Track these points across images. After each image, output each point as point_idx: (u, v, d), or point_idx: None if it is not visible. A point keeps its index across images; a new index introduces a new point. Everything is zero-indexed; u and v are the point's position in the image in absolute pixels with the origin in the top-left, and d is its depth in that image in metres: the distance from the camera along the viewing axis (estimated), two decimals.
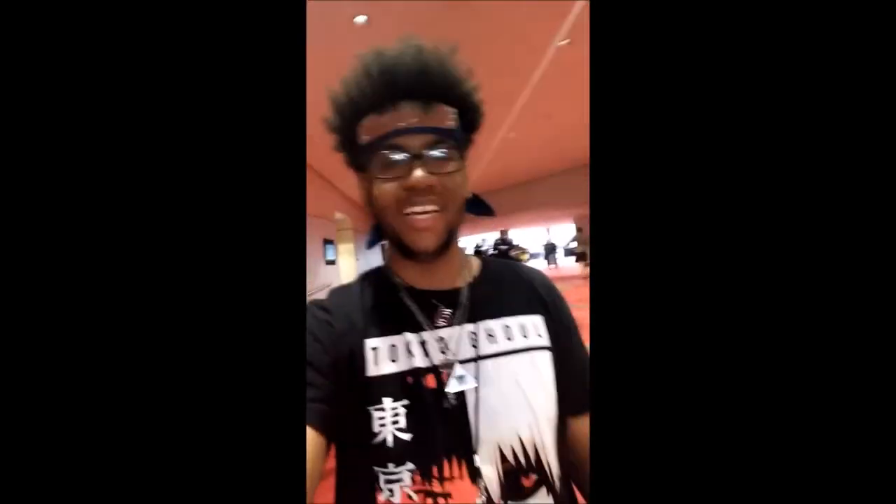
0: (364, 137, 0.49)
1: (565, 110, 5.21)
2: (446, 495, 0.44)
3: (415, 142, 0.47)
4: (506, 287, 0.57)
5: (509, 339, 0.52)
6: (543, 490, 0.47)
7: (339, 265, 6.99)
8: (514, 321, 0.53)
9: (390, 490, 0.45)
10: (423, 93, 0.48)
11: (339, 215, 7.50)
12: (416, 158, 0.47)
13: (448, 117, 0.49)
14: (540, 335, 0.53)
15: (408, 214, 0.47)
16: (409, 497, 0.44)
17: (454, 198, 0.49)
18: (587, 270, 10.46)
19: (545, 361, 0.52)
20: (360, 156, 0.51)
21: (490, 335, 0.51)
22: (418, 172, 0.46)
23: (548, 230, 20.09)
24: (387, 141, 0.47)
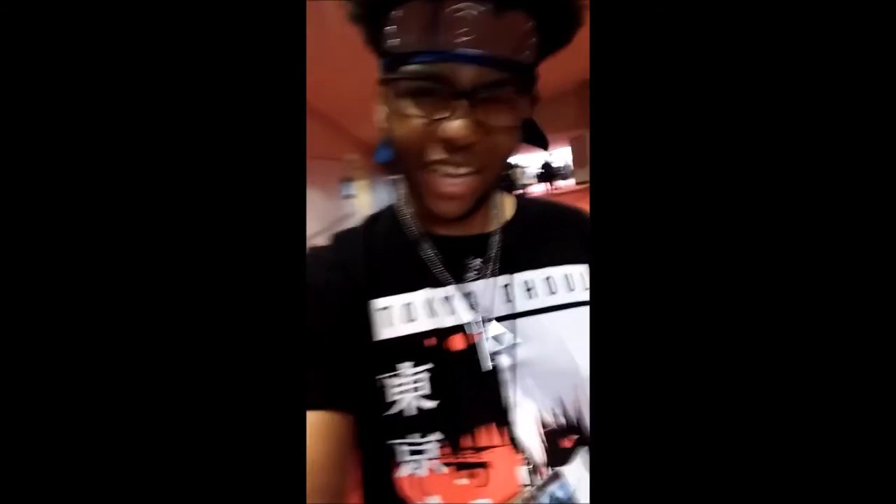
0: (393, 41, 0.35)
1: None
2: (484, 465, 0.40)
3: (464, 75, 0.34)
4: (546, 231, 0.49)
5: (553, 292, 0.45)
6: (584, 450, 0.43)
7: (356, 202, 7.79)
8: (557, 271, 0.46)
9: (416, 463, 0.40)
10: None
11: (350, 156, 8.12)
12: (464, 97, 0.34)
13: (526, 42, 0.35)
14: (587, 288, 0.46)
15: (435, 169, 0.38)
16: (437, 470, 0.39)
17: (499, 159, 0.39)
18: (577, 184, 11.06)
19: (585, 319, 0.45)
20: (384, 62, 0.38)
21: (529, 288, 0.45)
22: (460, 122, 0.34)
23: (549, 154, 20.41)
24: (426, 64, 0.34)
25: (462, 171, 0.38)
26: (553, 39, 0.38)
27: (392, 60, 0.37)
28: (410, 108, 0.36)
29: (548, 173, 15.67)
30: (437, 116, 0.35)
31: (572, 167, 11.76)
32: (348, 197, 7.28)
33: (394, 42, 0.36)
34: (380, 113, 0.42)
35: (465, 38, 0.33)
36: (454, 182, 0.38)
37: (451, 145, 0.36)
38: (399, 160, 0.41)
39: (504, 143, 0.38)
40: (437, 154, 0.37)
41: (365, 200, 8.71)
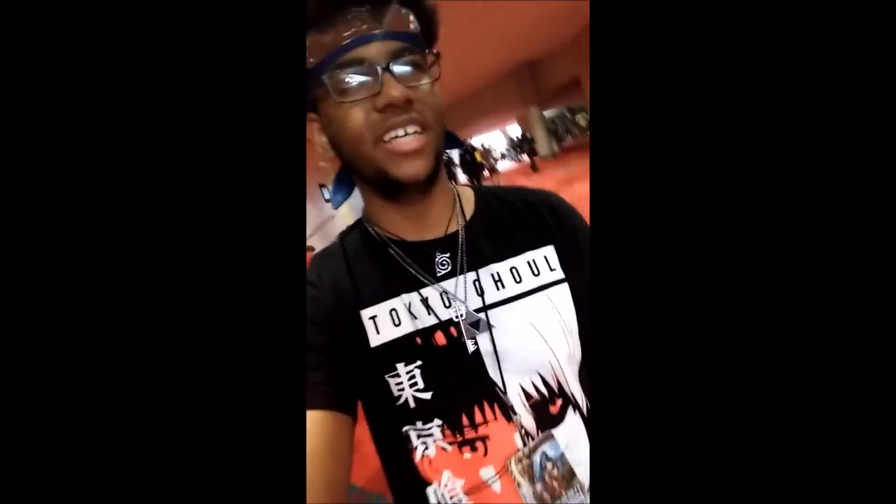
0: (309, 61, 0.42)
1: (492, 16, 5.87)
2: (483, 438, 0.44)
3: (376, 52, 0.40)
4: (507, 220, 0.51)
5: (518, 281, 0.48)
6: (570, 410, 0.47)
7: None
8: (520, 260, 0.49)
9: (424, 444, 0.45)
10: None
11: (322, 163, 8.70)
12: (385, 71, 0.40)
13: (408, 20, 0.43)
14: (553, 268, 0.49)
15: (387, 141, 0.41)
16: (444, 449, 0.44)
17: (436, 115, 0.43)
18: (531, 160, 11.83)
19: (562, 295, 0.48)
20: (308, 88, 0.43)
21: (496, 280, 0.48)
22: (392, 86, 0.40)
23: (503, 132, 21.38)
24: (341, 57, 0.40)
25: (411, 129, 0.41)
26: (426, 31, 0.46)
27: (315, 75, 0.42)
28: (348, 100, 0.41)
29: (518, 148, 16.21)
30: (372, 93, 0.40)
31: (531, 139, 12.65)
32: (329, 201, 7.96)
33: (310, 61, 0.42)
34: (320, 145, 0.47)
35: (364, 27, 0.40)
36: (409, 140, 0.41)
37: (392, 109, 0.40)
38: (354, 157, 0.44)
39: (431, 98, 0.43)
40: (385, 124, 0.41)
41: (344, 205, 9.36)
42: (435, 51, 0.45)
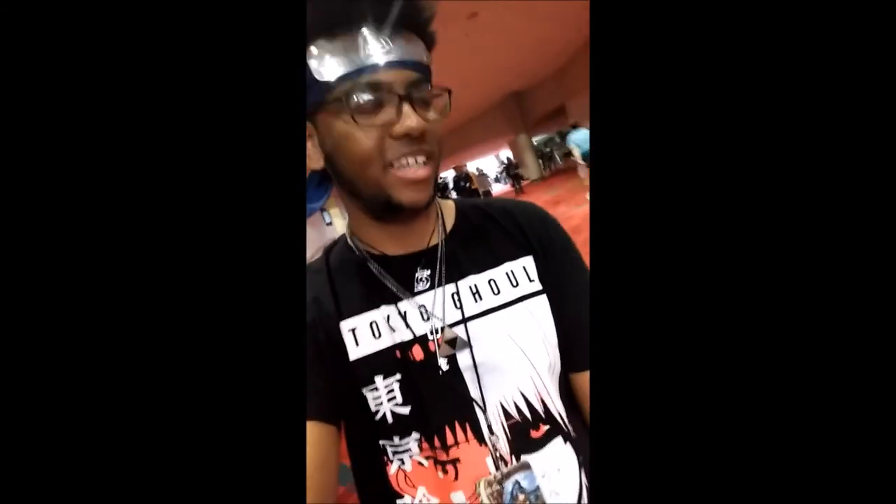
0: (319, 69, 0.41)
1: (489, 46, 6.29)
2: (454, 461, 0.43)
3: (396, 79, 0.41)
4: (487, 233, 0.51)
5: (496, 293, 0.48)
6: (559, 439, 0.46)
7: (335, 227, 8.96)
8: (499, 271, 0.49)
9: (401, 460, 0.44)
10: (391, 17, 0.40)
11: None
12: (404, 100, 0.40)
13: (422, 50, 0.44)
14: (532, 279, 0.49)
15: (396, 168, 0.42)
16: (421, 464, 0.44)
17: (439, 148, 0.45)
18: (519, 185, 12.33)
19: (542, 307, 0.48)
20: (318, 95, 0.42)
21: (474, 293, 0.47)
22: (411, 117, 0.40)
23: (497, 157, 22.16)
24: (360, 77, 0.40)
25: (420, 158, 0.42)
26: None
27: (322, 88, 0.41)
28: (362, 121, 0.40)
29: (506, 172, 16.75)
30: (389, 119, 0.40)
31: (516, 164, 13.33)
32: (330, 224, 8.45)
33: (320, 70, 0.41)
34: (316, 144, 0.45)
35: (386, 51, 0.40)
36: (417, 169, 0.42)
37: (410, 138, 0.41)
38: (357, 176, 0.43)
39: (438, 133, 0.44)
40: (397, 151, 0.41)
41: (341, 226, 9.82)
42: (447, 88, 0.46)
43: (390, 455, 0.45)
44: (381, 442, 0.45)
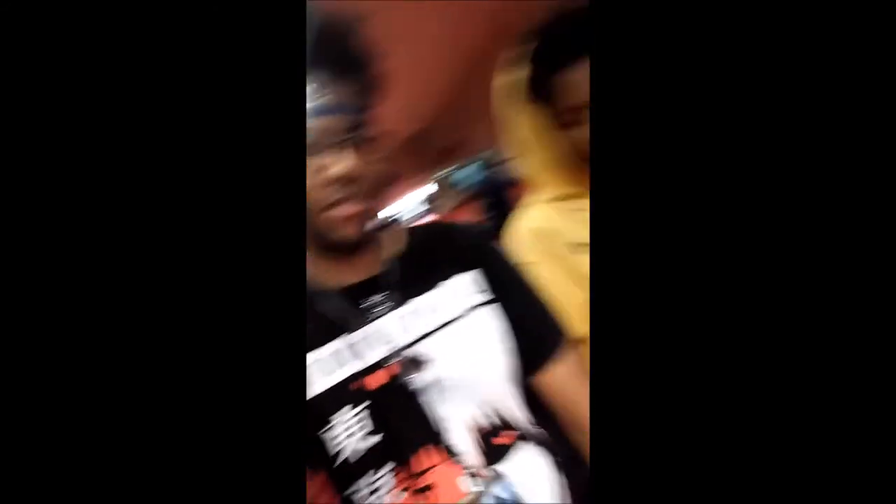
0: None
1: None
2: (428, 487, 0.43)
3: (333, 123, 0.42)
4: (434, 252, 0.53)
5: (442, 309, 0.48)
6: (529, 444, 0.47)
7: None
8: (445, 288, 0.50)
9: (377, 499, 0.43)
10: (333, 59, 0.42)
11: None
12: (339, 144, 0.42)
13: (363, 94, 0.45)
14: (478, 292, 0.50)
15: (333, 205, 0.43)
16: (397, 499, 0.42)
17: (378, 185, 0.46)
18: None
19: (490, 317, 0.49)
20: None
21: (422, 312, 0.48)
22: (345, 160, 0.42)
23: (417, 194, 22.20)
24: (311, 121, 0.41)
25: (352, 204, 0.43)
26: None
27: None
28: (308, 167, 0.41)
29: (428, 207, 16.66)
30: (321, 164, 0.42)
31: (433, 197, 13.68)
32: None
33: None
34: None
35: (322, 97, 0.41)
36: (349, 206, 0.43)
37: (341, 182, 0.42)
38: None
39: (373, 175, 0.44)
40: (332, 195, 0.42)
41: None
42: (374, 134, 0.46)
43: (364, 499, 0.43)
44: (347, 492, 0.43)
